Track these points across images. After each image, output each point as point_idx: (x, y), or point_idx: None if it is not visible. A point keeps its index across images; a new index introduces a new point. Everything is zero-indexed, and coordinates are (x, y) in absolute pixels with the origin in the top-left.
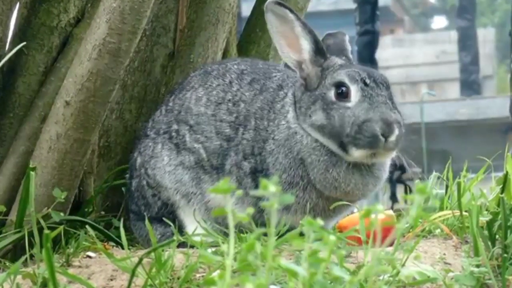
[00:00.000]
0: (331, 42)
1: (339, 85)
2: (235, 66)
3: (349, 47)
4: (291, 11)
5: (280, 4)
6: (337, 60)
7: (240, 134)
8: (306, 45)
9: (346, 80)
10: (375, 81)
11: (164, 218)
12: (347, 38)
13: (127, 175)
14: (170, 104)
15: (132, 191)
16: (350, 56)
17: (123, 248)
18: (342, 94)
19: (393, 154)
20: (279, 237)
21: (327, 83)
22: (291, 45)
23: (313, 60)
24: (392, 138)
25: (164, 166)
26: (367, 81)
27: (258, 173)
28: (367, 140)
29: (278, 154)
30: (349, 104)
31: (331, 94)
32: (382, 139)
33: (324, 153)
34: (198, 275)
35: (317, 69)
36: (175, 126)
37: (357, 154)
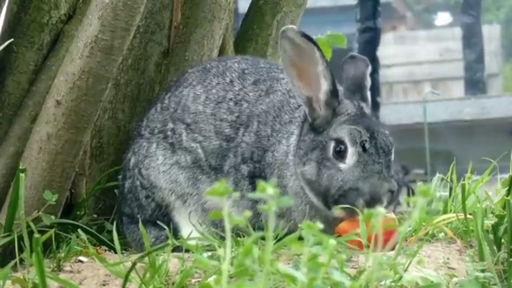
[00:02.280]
0: (350, 73)
1: (338, 141)
2: (236, 65)
3: (368, 83)
4: (318, 47)
5: (305, 36)
6: (349, 108)
7: (240, 135)
8: (325, 86)
9: (346, 140)
10: (376, 145)
11: (158, 221)
12: (368, 70)
13: (120, 177)
14: (166, 101)
15: (125, 192)
16: (367, 94)
17: (116, 252)
18: (340, 152)
19: None
20: (277, 241)
21: (330, 133)
22: (304, 79)
23: (328, 102)
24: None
25: (158, 165)
26: (367, 145)
27: (256, 178)
28: (348, 207)
29: (274, 170)
30: (342, 166)
31: (331, 147)
32: (364, 210)
33: (305, 202)
34: (193, 280)
35: (328, 113)
36: (170, 125)
37: (338, 213)
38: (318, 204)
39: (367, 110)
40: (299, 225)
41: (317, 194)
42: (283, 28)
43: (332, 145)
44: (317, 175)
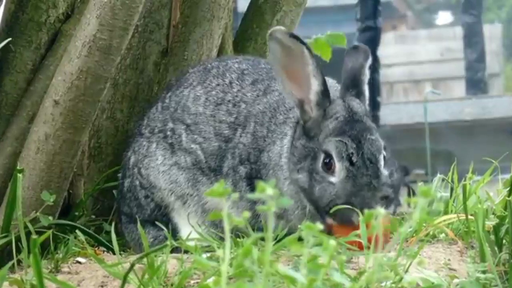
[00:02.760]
0: (348, 66)
1: (326, 154)
2: (236, 65)
3: (365, 77)
4: (307, 47)
5: (293, 36)
6: (338, 110)
7: (237, 136)
8: (315, 86)
9: (333, 154)
10: (363, 157)
11: (157, 222)
12: (368, 62)
13: (120, 175)
14: (167, 101)
15: (124, 191)
16: (364, 88)
17: (114, 253)
18: (328, 165)
19: None
20: (277, 242)
21: (320, 142)
22: (295, 80)
23: (319, 103)
24: None
25: (158, 166)
26: (354, 159)
27: (253, 179)
28: (341, 221)
29: (269, 171)
30: (332, 180)
31: (320, 159)
32: (357, 223)
33: (301, 207)
34: (192, 281)
35: (320, 114)
36: (170, 125)
37: (331, 222)
38: (313, 211)
39: (359, 108)
40: (295, 228)
41: (310, 202)
42: (271, 30)
43: (321, 157)
44: (310, 186)
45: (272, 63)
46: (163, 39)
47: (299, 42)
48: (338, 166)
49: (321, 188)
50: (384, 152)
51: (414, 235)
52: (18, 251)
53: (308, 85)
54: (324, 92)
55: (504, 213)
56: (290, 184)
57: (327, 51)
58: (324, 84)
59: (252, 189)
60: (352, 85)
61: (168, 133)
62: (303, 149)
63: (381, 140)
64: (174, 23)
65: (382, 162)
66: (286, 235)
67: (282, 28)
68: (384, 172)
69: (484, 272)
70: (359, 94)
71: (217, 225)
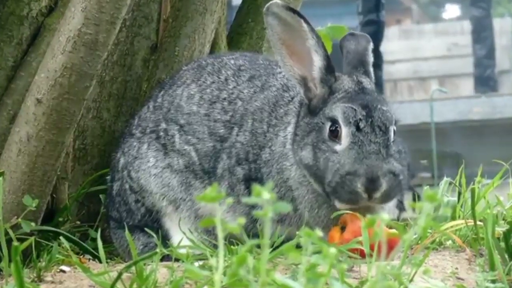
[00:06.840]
0: (351, 48)
1: (333, 121)
2: (232, 61)
3: (370, 59)
4: (306, 20)
5: (291, 10)
6: (345, 84)
7: (234, 135)
8: (318, 61)
9: (340, 119)
10: (372, 124)
11: (146, 229)
12: (371, 46)
13: (108, 178)
14: (159, 100)
15: (113, 195)
16: (370, 70)
17: (100, 262)
18: (334, 132)
19: (386, 205)
20: (274, 249)
21: (326, 112)
22: (296, 57)
23: (324, 79)
24: (377, 194)
25: (149, 168)
26: (361, 124)
27: (252, 180)
28: (347, 195)
29: (272, 167)
30: (337, 148)
31: (326, 128)
32: (365, 196)
33: (311, 191)
34: None
35: (325, 91)
36: (163, 125)
37: (339, 206)
38: (322, 192)
39: (368, 85)
40: (305, 218)
41: (317, 180)
42: (267, 4)
43: (327, 125)
44: (314, 159)
45: (270, 38)
46: (153, 33)
47: (298, 15)
48: (345, 131)
49: (325, 159)
50: (394, 127)
51: (419, 242)
52: None
53: (310, 61)
54: (328, 67)
55: None
56: (297, 169)
57: (328, 44)
58: (327, 59)
59: (251, 192)
60: (358, 65)
61: (161, 133)
62: (306, 126)
63: (392, 114)
64: (165, 17)
65: (392, 135)
66: (284, 242)
67: (279, 1)
68: (393, 146)
69: (493, 281)
70: (366, 74)
71: (210, 231)
